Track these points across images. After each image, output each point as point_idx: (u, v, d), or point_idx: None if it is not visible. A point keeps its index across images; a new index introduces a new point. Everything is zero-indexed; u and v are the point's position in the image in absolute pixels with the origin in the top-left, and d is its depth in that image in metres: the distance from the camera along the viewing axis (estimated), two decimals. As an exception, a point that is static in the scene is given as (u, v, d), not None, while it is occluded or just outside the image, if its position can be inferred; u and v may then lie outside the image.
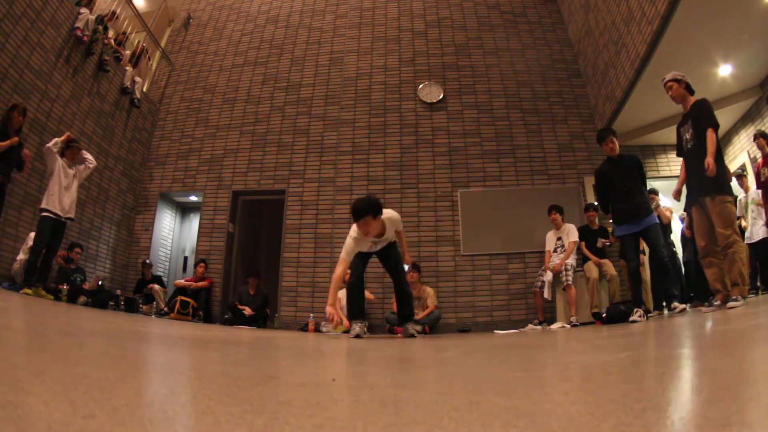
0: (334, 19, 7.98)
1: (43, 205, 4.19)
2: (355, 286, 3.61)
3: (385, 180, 6.49)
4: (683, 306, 3.65)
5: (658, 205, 5.27)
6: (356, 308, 3.56)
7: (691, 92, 3.43)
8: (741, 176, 5.11)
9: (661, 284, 3.93)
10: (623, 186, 3.79)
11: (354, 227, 3.26)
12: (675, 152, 3.78)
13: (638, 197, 3.76)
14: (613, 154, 3.92)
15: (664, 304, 4.27)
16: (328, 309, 3.12)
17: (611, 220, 4.21)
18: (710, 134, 3.19)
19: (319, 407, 0.69)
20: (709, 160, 3.11)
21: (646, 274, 5.33)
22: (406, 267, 3.63)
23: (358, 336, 3.33)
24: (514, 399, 0.79)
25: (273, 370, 1.33)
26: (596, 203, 5.63)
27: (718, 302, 3.24)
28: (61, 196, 4.26)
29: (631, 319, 3.58)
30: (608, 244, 5.24)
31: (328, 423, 0.59)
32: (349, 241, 3.26)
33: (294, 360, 1.72)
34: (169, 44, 8.26)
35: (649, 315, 4.11)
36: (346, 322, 3.92)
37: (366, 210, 3.14)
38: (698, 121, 3.30)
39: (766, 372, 0.87)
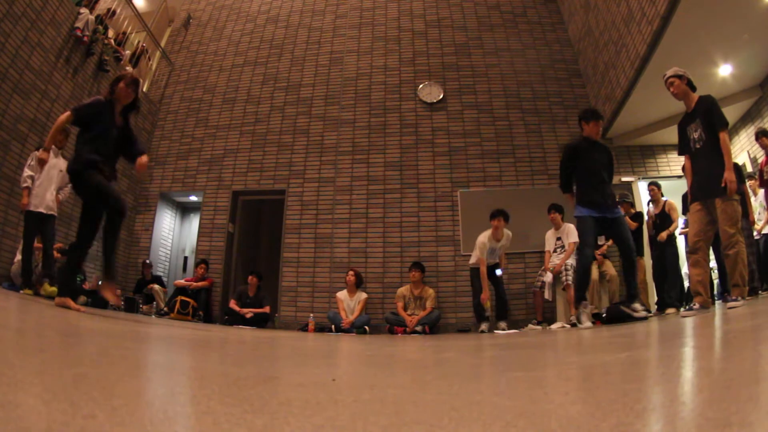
0: (334, 19, 7.97)
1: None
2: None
3: (385, 180, 6.49)
4: (672, 310, 3.53)
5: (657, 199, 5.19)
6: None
7: (693, 89, 3.31)
8: None
9: (632, 278, 3.72)
10: (598, 172, 3.66)
11: (482, 236, 4.94)
12: (676, 152, 3.71)
13: (609, 188, 3.68)
14: (596, 138, 3.79)
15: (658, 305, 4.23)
16: (484, 296, 4.81)
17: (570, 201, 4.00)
18: (724, 139, 3.06)
19: (319, 407, 0.69)
20: (729, 176, 2.97)
21: (646, 274, 5.33)
22: (499, 272, 5.11)
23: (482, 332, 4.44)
24: (514, 399, 0.79)
25: (273, 370, 1.34)
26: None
27: (696, 306, 3.06)
28: (43, 191, 4.13)
29: (582, 318, 3.49)
30: (609, 244, 5.21)
31: (328, 423, 0.59)
32: (483, 241, 4.88)
33: (294, 360, 1.72)
34: (169, 44, 8.26)
35: (649, 315, 4.09)
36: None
37: (504, 213, 4.94)
38: (708, 119, 3.14)
39: (766, 372, 0.86)
